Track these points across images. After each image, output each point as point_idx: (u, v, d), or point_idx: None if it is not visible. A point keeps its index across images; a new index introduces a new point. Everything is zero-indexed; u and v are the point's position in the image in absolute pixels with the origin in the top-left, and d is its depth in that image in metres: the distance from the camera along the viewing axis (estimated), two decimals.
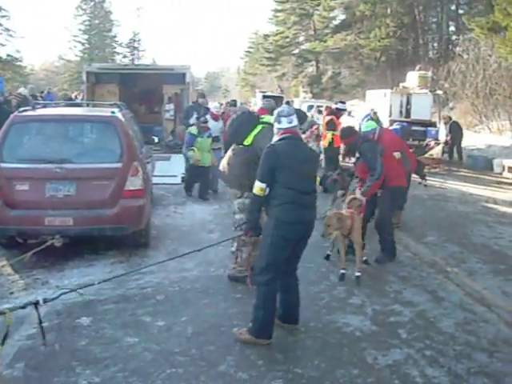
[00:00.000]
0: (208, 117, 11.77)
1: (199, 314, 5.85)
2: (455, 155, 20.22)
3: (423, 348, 5.24)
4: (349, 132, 8.26)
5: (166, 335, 5.35)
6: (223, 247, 7.65)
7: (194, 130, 11.30)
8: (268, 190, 5.16)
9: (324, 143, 13.74)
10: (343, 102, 15.40)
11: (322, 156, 13.39)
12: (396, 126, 17.02)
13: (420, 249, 8.64)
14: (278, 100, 20.44)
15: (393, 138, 8.54)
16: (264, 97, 25.94)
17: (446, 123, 20.59)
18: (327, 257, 7.79)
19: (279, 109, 5.45)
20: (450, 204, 12.59)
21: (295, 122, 5.36)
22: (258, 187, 5.14)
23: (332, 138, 13.33)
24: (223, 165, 6.84)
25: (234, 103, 24.72)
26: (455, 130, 20.05)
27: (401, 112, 20.26)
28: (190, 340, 5.26)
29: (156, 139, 11.37)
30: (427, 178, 14.88)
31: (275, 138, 5.36)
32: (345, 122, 14.97)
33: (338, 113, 14.21)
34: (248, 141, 6.58)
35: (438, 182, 15.49)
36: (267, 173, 5.11)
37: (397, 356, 5.08)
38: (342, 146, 8.53)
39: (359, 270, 6.95)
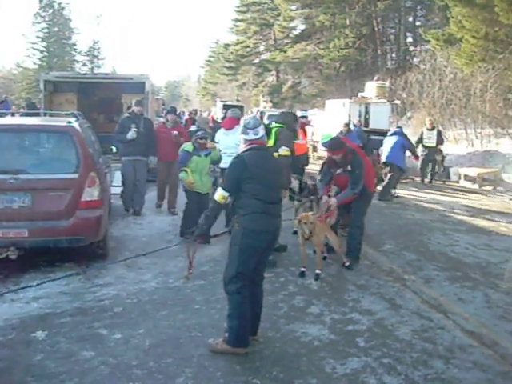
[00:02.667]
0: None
1: (157, 326, 5.79)
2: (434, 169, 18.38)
3: (381, 356, 5.27)
4: (340, 144, 8.16)
5: (123, 348, 5.28)
6: (183, 258, 7.64)
7: (188, 146, 9.40)
8: (229, 199, 5.25)
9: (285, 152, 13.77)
10: (305, 110, 15.34)
11: None
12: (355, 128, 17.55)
13: (378, 257, 8.72)
14: (238, 109, 20.51)
15: (354, 146, 8.67)
16: (224, 106, 25.97)
17: (430, 129, 17.80)
18: (324, 258, 8.05)
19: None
20: (408, 212, 12.73)
21: (261, 133, 5.40)
22: (221, 195, 5.22)
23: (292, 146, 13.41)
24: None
25: (195, 112, 24.74)
26: (439, 141, 18.00)
27: (360, 121, 20.53)
28: (147, 353, 5.19)
29: (114, 149, 11.11)
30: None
31: (242, 149, 5.40)
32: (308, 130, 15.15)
33: (300, 122, 14.26)
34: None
35: (396, 191, 15.68)
36: (233, 183, 5.18)
37: (355, 365, 5.10)
38: (333, 158, 8.30)
39: (320, 269, 7.43)
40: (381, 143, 19.52)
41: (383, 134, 20.15)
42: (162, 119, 12.83)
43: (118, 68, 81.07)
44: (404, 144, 14.66)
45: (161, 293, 6.77)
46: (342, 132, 16.38)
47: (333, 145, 8.24)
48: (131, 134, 10.76)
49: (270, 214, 5.24)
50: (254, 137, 5.33)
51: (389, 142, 14.62)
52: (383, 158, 14.55)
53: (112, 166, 11.05)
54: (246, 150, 5.31)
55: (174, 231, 9.67)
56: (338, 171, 8.13)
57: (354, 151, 8.10)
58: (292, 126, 8.99)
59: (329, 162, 8.30)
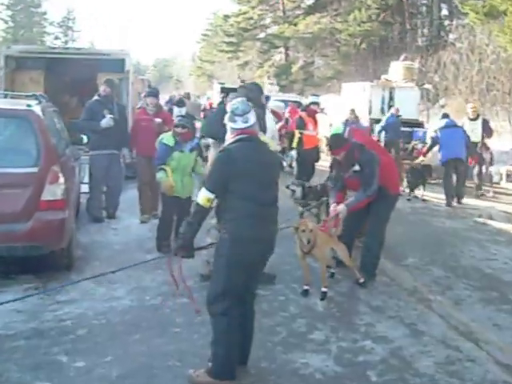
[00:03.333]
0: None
1: (128, 352, 5.72)
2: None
3: None
4: (339, 140, 8.11)
5: (85, 379, 5.19)
6: (162, 271, 7.56)
7: (167, 138, 8.79)
8: (216, 201, 5.20)
9: (293, 144, 13.84)
10: (316, 95, 15.41)
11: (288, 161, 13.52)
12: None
13: (399, 273, 8.66)
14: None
15: (366, 139, 8.59)
16: (222, 89, 25.87)
17: (473, 119, 16.08)
18: (332, 274, 8.06)
19: (233, 106, 5.36)
20: (437, 219, 12.67)
21: (252, 121, 5.29)
22: (205, 197, 5.08)
23: (300, 138, 13.45)
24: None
25: (187, 96, 24.64)
26: (486, 133, 16.58)
27: (382, 109, 20.48)
28: None
29: (85, 138, 10.98)
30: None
31: (229, 140, 5.31)
32: (320, 120, 15.12)
33: (310, 108, 14.31)
34: None
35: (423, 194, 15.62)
36: (219, 181, 5.09)
37: None
38: (335, 158, 8.21)
39: (325, 286, 7.35)
40: (409, 137, 19.53)
41: (411, 125, 20.13)
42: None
43: (97, 44, 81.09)
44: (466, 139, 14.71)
45: (135, 312, 6.69)
46: (347, 121, 16.30)
47: (332, 142, 8.19)
48: (107, 122, 10.60)
49: (264, 218, 5.16)
50: (243, 125, 5.23)
51: (455, 137, 14.28)
52: (451, 154, 14.35)
53: (83, 160, 10.99)
54: (234, 142, 5.21)
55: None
56: (348, 175, 7.99)
57: (361, 146, 7.97)
58: (259, 102, 8.36)
59: (334, 164, 8.27)
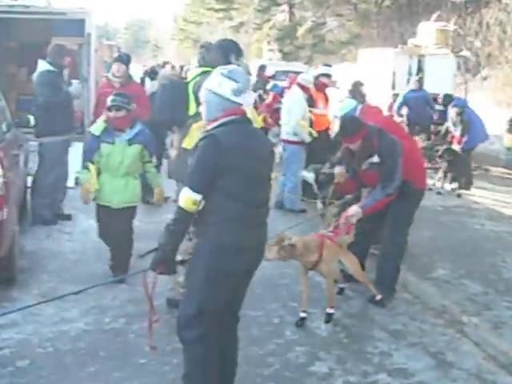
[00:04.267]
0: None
1: None
2: None
3: None
4: (355, 125, 7.75)
5: None
6: (128, 287, 7.55)
7: (96, 125, 8.36)
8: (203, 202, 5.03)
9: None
10: (328, 65, 14.99)
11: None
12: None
13: (424, 288, 8.59)
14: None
15: (382, 119, 8.48)
16: None
17: None
18: (341, 290, 8.09)
19: (227, 69, 5.07)
20: (475, 220, 12.54)
21: (246, 96, 5.16)
22: (190, 199, 4.88)
23: (310, 119, 13.31)
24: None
25: (172, 68, 24.51)
26: None
27: (408, 82, 20.30)
28: None
29: (32, 119, 10.76)
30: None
31: (214, 121, 5.07)
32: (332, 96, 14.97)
33: (319, 81, 14.03)
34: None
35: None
36: (206, 177, 4.90)
37: None
38: (347, 148, 8.01)
39: (331, 306, 7.33)
40: (443, 117, 19.38)
41: (444, 102, 20.01)
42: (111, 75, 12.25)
43: (54, 1, 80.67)
44: None
45: (90, 338, 6.63)
46: (352, 93, 15.93)
47: (345, 128, 7.90)
48: (76, 88, 10.63)
49: (253, 221, 5.09)
50: (241, 100, 5.02)
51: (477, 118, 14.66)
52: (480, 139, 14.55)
53: (31, 146, 10.98)
54: (221, 125, 5.01)
55: None
56: (364, 167, 7.86)
57: (381, 132, 7.77)
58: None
59: (346, 155, 8.06)
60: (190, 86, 7.13)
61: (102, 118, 8.25)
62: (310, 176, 10.24)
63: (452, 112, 15.94)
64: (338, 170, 8.45)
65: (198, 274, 5.05)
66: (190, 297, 5.13)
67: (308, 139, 12.33)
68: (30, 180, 10.81)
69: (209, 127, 5.10)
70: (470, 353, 6.74)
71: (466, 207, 13.80)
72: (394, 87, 20.64)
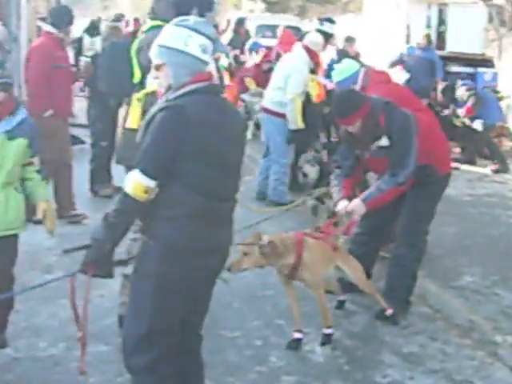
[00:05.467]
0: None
1: None
2: None
3: None
4: (352, 101, 7.56)
5: None
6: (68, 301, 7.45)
7: None
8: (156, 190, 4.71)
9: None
10: (331, 21, 14.54)
11: None
12: None
13: (447, 300, 8.48)
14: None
15: (390, 88, 8.40)
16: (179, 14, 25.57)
17: None
18: (340, 304, 8.01)
19: (180, 23, 4.94)
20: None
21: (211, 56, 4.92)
22: (140, 185, 4.70)
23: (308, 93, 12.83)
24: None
25: (118, 19, 24.33)
26: None
27: (428, 38, 20.23)
28: None
29: None
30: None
31: (177, 90, 4.87)
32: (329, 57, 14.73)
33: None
34: None
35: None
36: (164, 159, 4.75)
37: None
38: (345, 130, 7.78)
39: (328, 326, 7.19)
40: (472, 80, 19.30)
41: (473, 63, 19.96)
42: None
43: None
44: None
45: (20, 369, 6.50)
46: (340, 53, 15.67)
47: (339, 107, 7.62)
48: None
49: (219, 218, 4.92)
50: (201, 57, 4.84)
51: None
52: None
53: None
54: (187, 94, 4.80)
55: (61, 248, 9.67)
56: (369, 154, 7.64)
57: (389, 106, 7.59)
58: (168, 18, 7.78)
59: (345, 138, 7.84)
60: (133, 47, 7.05)
61: None
62: (313, 171, 10.08)
63: (460, 91, 16.12)
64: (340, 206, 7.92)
65: (146, 282, 4.85)
66: (137, 313, 4.94)
67: (297, 125, 12.28)
68: None
69: (170, 96, 4.87)
70: (505, 381, 6.55)
71: (499, 196, 13.71)
72: (408, 43, 20.51)
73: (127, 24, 23.81)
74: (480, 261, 9.88)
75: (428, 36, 18.61)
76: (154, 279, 4.81)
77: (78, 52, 13.79)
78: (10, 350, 6.90)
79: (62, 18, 11.32)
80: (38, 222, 10.08)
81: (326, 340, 7.17)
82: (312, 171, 10.93)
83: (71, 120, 13.39)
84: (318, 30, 13.42)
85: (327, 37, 13.46)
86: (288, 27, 18.55)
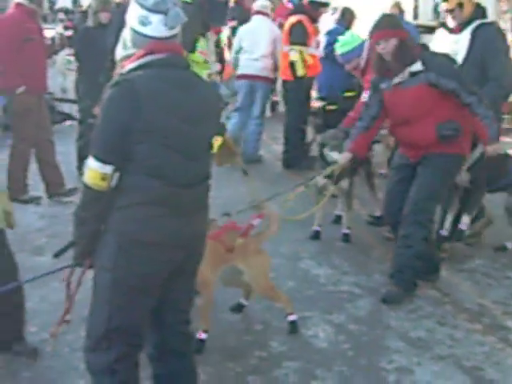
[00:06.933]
0: None
1: None
2: None
3: None
4: (394, 21, 7.80)
5: None
6: (61, 284, 7.28)
7: None
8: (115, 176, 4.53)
9: (284, 73, 13.24)
10: None
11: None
12: None
13: (456, 283, 8.33)
14: None
15: None
16: None
17: None
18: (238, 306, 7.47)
19: None
20: None
21: (178, 28, 4.69)
22: (96, 172, 4.53)
23: (304, 62, 12.79)
24: None
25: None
26: None
27: (436, 11, 19.98)
28: None
29: None
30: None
31: (129, 63, 4.69)
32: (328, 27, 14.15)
33: (313, 9, 13.38)
34: None
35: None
36: (115, 140, 4.50)
37: None
38: (377, 55, 7.65)
39: (204, 330, 6.66)
40: None
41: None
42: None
43: None
44: None
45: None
46: (340, 22, 14.70)
47: (380, 20, 7.68)
48: None
49: (182, 207, 4.64)
50: (166, 33, 4.61)
51: None
52: None
53: None
54: (141, 67, 4.56)
55: (50, 230, 9.67)
56: (397, 80, 7.54)
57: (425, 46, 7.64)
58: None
59: (376, 64, 7.78)
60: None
61: None
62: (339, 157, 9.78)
63: None
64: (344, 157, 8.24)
65: (103, 278, 4.67)
66: (96, 310, 4.78)
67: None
68: None
69: (123, 70, 4.71)
70: None
71: None
72: (416, 17, 20.35)
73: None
74: (491, 241, 9.74)
75: (398, 4, 18.10)
76: (111, 274, 4.63)
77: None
78: None
79: None
80: (26, 202, 10.02)
81: (200, 345, 6.57)
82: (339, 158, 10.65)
83: (63, 95, 13.19)
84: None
85: (322, 5, 13.42)
86: None
